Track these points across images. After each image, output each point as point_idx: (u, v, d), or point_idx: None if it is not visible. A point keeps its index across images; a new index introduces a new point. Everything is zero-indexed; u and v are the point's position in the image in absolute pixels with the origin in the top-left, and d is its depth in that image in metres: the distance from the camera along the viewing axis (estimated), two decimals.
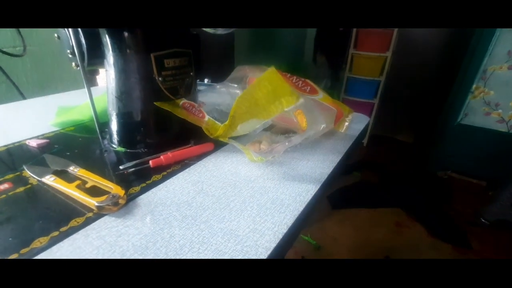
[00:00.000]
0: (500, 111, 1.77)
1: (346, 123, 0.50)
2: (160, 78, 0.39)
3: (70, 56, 0.42)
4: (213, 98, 0.57)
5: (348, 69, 2.26)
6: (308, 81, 0.53)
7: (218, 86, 0.70)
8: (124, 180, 0.35)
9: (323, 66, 2.46)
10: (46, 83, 1.15)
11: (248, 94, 0.39)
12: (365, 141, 2.41)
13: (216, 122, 0.43)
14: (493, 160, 1.85)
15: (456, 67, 1.94)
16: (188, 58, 0.42)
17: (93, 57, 0.41)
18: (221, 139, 0.40)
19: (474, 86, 1.77)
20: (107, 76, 0.41)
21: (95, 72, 0.49)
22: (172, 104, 0.42)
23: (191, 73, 0.43)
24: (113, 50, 0.38)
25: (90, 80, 0.44)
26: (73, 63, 0.43)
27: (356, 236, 1.48)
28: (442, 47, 2.27)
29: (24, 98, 0.76)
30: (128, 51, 0.37)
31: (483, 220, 1.56)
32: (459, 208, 1.72)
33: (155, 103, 0.40)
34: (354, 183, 1.87)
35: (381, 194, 1.80)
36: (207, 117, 0.44)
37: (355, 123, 0.54)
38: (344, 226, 1.54)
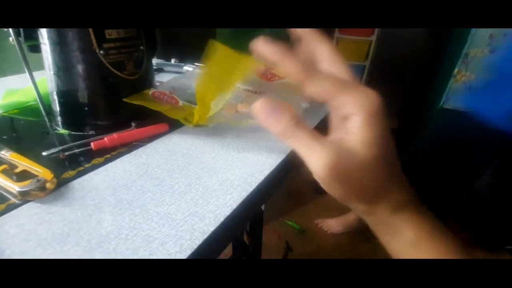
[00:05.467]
0: None
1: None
2: (101, 51, 0.35)
3: (5, 29, 0.38)
4: (182, 83, 0.53)
5: None
6: (274, 72, 0.52)
7: (184, 67, 0.66)
8: (61, 164, 0.32)
9: None
10: None
11: (207, 73, 0.38)
12: None
13: (192, 105, 0.42)
14: (472, 142, 1.88)
15: (439, 51, 1.94)
16: (136, 29, 0.38)
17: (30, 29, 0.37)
18: (201, 124, 0.39)
19: (456, 70, 1.78)
20: (43, 50, 0.37)
21: (39, 49, 0.45)
22: (141, 97, 0.40)
23: (141, 47, 0.39)
24: None
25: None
26: (10, 38, 0.39)
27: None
28: (426, 31, 2.26)
29: None
30: None
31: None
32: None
33: (124, 99, 0.38)
34: None
35: None
36: (181, 102, 0.42)
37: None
38: (327, 209, 1.55)
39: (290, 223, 1.52)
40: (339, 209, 1.54)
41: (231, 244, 0.84)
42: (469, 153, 1.44)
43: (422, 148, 1.67)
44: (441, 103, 1.91)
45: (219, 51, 0.32)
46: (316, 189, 1.66)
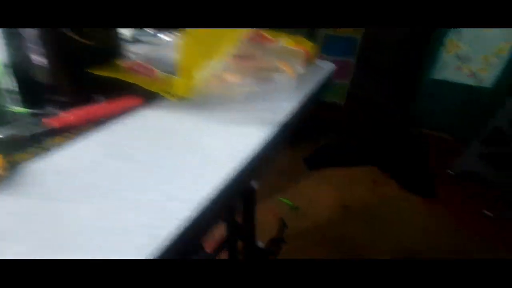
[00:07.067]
0: (471, 65, 1.77)
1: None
2: None
3: None
4: (159, 53, 0.47)
5: None
6: (261, 31, 0.46)
7: (159, 35, 0.60)
8: (17, 147, 0.27)
9: None
10: None
11: (191, 40, 0.33)
12: (342, 102, 2.39)
13: (173, 76, 0.37)
14: (462, 114, 1.89)
15: None
16: None
17: None
18: (186, 97, 0.34)
19: (447, 40, 1.74)
20: None
21: None
22: (112, 69, 0.34)
23: None
24: None
25: None
26: None
27: (334, 195, 1.50)
28: None
29: None
30: None
31: (450, 172, 1.63)
32: (430, 162, 1.78)
33: (91, 71, 0.32)
34: (330, 143, 1.87)
35: (357, 153, 1.82)
36: (159, 73, 0.37)
37: (314, 75, 0.47)
38: (321, 186, 1.55)
39: (284, 200, 1.52)
40: (333, 185, 1.55)
41: (224, 225, 0.82)
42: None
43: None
44: (432, 75, 1.89)
45: None
46: (309, 165, 1.66)
